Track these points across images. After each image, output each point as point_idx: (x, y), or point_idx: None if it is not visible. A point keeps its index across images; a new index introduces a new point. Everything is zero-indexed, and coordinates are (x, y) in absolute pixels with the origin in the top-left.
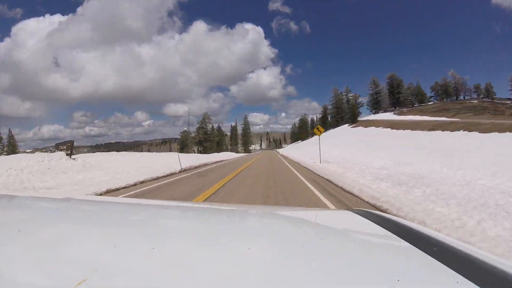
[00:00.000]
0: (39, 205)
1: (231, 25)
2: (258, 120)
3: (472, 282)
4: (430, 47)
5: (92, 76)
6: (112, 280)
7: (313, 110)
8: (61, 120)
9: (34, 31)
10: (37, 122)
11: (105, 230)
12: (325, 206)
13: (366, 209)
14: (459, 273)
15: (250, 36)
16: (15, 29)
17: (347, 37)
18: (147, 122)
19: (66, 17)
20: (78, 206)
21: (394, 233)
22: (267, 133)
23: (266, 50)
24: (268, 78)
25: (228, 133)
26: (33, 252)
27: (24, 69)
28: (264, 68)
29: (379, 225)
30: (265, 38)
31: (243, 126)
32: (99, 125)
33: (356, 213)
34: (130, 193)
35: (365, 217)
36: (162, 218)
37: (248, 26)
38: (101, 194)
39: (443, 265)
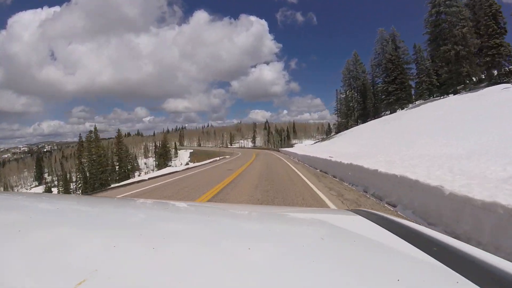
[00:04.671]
0: (39, 204)
1: (234, 15)
2: (259, 117)
3: (472, 282)
4: None
5: (90, 70)
6: (111, 280)
7: (315, 107)
8: (61, 116)
9: (31, 23)
10: (36, 118)
11: (104, 230)
12: None
13: (366, 209)
14: (459, 273)
15: (253, 29)
16: (11, 21)
17: (356, 31)
18: (148, 118)
19: (60, 7)
20: (78, 205)
21: (394, 233)
22: (266, 122)
23: (270, 44)
24: (270, 74)
25: None
26: (33, 252)
27: (19, 62)
28: (267, 63)
29: (379, 225)
30: (269, 32)
31: None
32: (99, 121)
33: (356, 213)
34: None
35: (365, 217)
36: (162, 218)
37: (252, 18)
38: None
39: (443, 265)
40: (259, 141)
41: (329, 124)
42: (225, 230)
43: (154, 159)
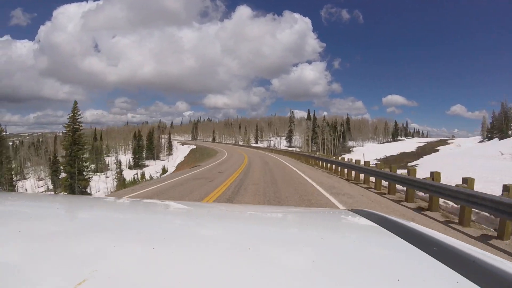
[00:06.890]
0: (39, 204)
1: (277, 12)
2: (298, 117)
3: (472, 282)
4: None
5: (132, 61)
6: (112, 280)
7: (356, 110)
8: (103, 105)
9: (75, 16)
10: (80, 106)
11: (105, 230)
12: None
13: (366, 209)
14: (459, 273)
15: (297, 26)
16: (56, 12)
17: (407, 34)
18: (188, 113)
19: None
20: (78, 205)
21: (394, 233)
22: (310, 113)
23: (313, 43)
24: (312, 73)
25: None
26: (33, 252)
27: (63, 52)
28: (309, 63)
29: (379, 225)
30: (313, 31)
31: None
32: (140, 113)
33: (356, 213)
34: None
35: (365, 217)
36: (162, 218)
37: (296, 15)
38: None
39: (443, 265)
40: (297, 140)
41: (395, 122)
42: (225, 230)
43: (131, 155)
